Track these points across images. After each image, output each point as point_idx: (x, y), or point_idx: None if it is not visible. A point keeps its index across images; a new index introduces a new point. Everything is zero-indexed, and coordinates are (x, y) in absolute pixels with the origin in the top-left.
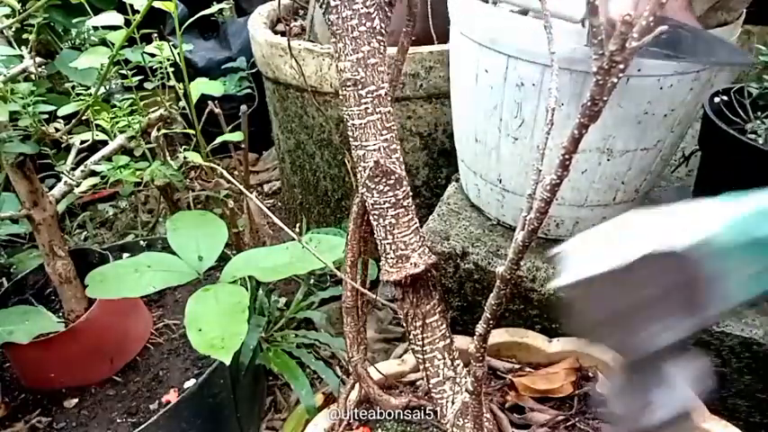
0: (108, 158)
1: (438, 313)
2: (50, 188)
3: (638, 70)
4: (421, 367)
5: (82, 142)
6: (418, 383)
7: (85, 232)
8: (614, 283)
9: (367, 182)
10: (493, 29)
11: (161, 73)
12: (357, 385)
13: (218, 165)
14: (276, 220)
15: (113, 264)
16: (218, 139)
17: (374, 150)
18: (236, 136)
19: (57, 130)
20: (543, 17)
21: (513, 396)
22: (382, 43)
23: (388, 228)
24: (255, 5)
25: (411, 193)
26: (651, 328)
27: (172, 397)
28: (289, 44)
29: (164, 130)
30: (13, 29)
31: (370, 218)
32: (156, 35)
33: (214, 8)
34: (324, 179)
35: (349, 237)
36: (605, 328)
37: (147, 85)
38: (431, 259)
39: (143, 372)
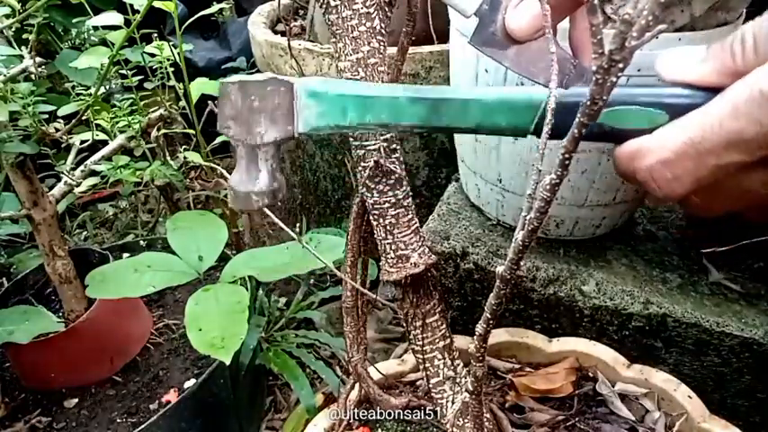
0: (108, 158)
1: (438, 313)
2: (50, 188)
3: (638, 70)
4: (421, 367)
5: (82, 142)
6: (418, 383)
7: (85, 232)
8: (246, 91)
9: (367, 182)
10: None
11: (161, 73)
12: (357, 385)
13: (218, 165)
14: (276, 220)
15: (113, 264)
16: (218, 139)
17: (374, 150)
18: None
19: (57, 130)
20: (543, 16)
21: (513, 396)
22: (382, 43)
23: (388, 228)
24: (255, 5)
25: (411, 193)
26: (261, 127)
27: (172, 397)
28: (289, 44)
29: (164, 130)
30: (13, 29)
31: (370, 218)
32: (156, 35)
33: (214, 8)
34: (324, 179)
35: (349, 237)
36: (236, 124)
37: (147, 85)
38: (431, 259)
39: (143, 372)
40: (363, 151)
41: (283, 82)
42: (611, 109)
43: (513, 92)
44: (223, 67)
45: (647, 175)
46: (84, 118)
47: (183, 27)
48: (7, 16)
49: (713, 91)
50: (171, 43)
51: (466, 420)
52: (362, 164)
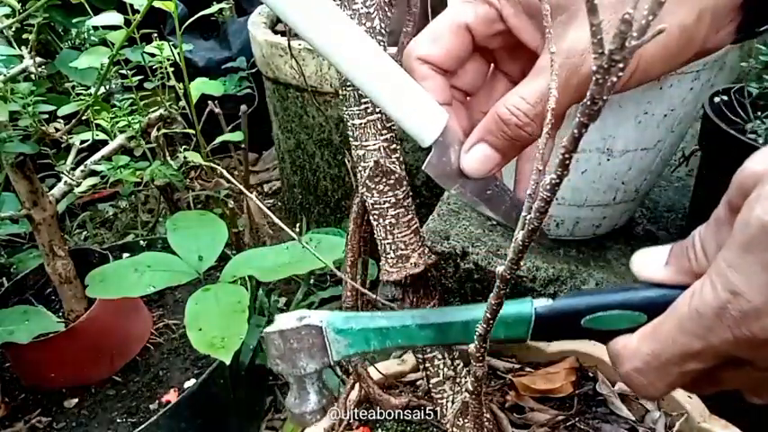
0: (108, 158)
1: None
2: (50, 188)
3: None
4: (421, 367)
5: (82, 142)
6: (418, 383)
7: (85, 232)
8: (285, 337)
9: (367, 182)
10: None
11: (161, 73)
12: (357, 385)
13: (218, 165)
14: (276, 220)
15: (113, 264)
16: (218, 139)
17: (374, 150)
18: (236, 136)
19: (57, 130)
20: (544, 17)
21: (513, 396)
22: (382, 43)
23: (388, 228)
24: (255, 5)
25: (411, 193)
26: (303, 362)
27: (172, 397)
28: (289, 44)
29: (164, 130)
30: (13, 29)
31: (370, 218)
32: (156, 35)
33: (214, 8)
34: (324, 179)
35: (349, 237)
36: (282, 361)
37: (147, 85)
38: (431, 259)
39: (143, 372)
40: (363, 151)
41: (313, 326)
42: (593, 315)
43: (505, 310)
44: (223, 67)
45: (626, 379)
46: (84, 118)
47: (183, 27)
48: (7, 16)
49: (683, 288)
50: (171, 43)
51: (466, 420)
52: (362, 164)
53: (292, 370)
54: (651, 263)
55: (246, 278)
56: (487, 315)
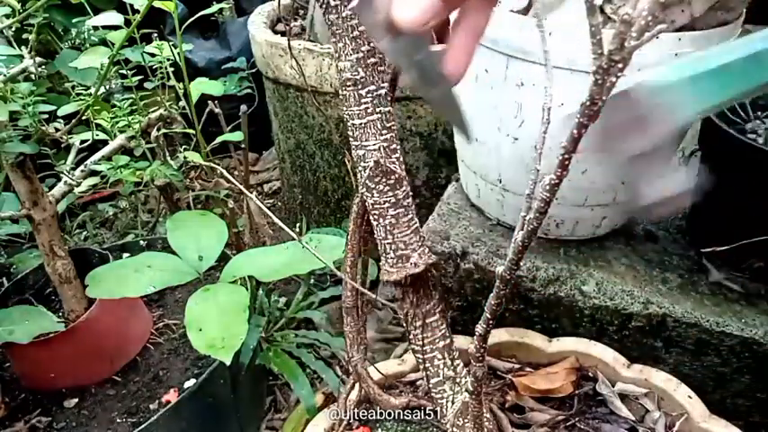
0: (108, 158)
1: (438, 313)
2: (50, 188)
3: (638, 70)
4: (421, 367)
5: (82, 142)
6: (418, 383)
7: (85, 232)
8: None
9: (367, 182)
10: (493, 29)
11: (161, 73)
12: (357, 385)
13: (218, 165)
14: (276, 220)
15: (113, 264)
16: (218, 139)
17: (374, 150)
18: (236, 136)
19: (57, 130)
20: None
21: (513, 396)
22: None
23: (388, 228)
24: (255, 5)
25: (411, 193)
26: (631, 141)
27: (172, 397)
28: (289, 44)
29: (164, 130)
30: (13, 29)
31: (370, 218)
32: (156, 35)
33: (214, 8)
34: (324, 179)
35: (349, 237)
36: (604, 142)
37: (147, 85)
38: (431, 259)
39: (143, 372)
40: (363, 151)
41: (620, 93)
42: None
43: (756, 47)
44: (223, 67)
45: None
46: (84, 118)
47: (183, 27)
48: (7, 16)
49: None
50: (171, 43)
51: (466, 420)
52: (362, 164)
53: (630, 151)
54: None
55: (246, 278)
56: (487, 315)
